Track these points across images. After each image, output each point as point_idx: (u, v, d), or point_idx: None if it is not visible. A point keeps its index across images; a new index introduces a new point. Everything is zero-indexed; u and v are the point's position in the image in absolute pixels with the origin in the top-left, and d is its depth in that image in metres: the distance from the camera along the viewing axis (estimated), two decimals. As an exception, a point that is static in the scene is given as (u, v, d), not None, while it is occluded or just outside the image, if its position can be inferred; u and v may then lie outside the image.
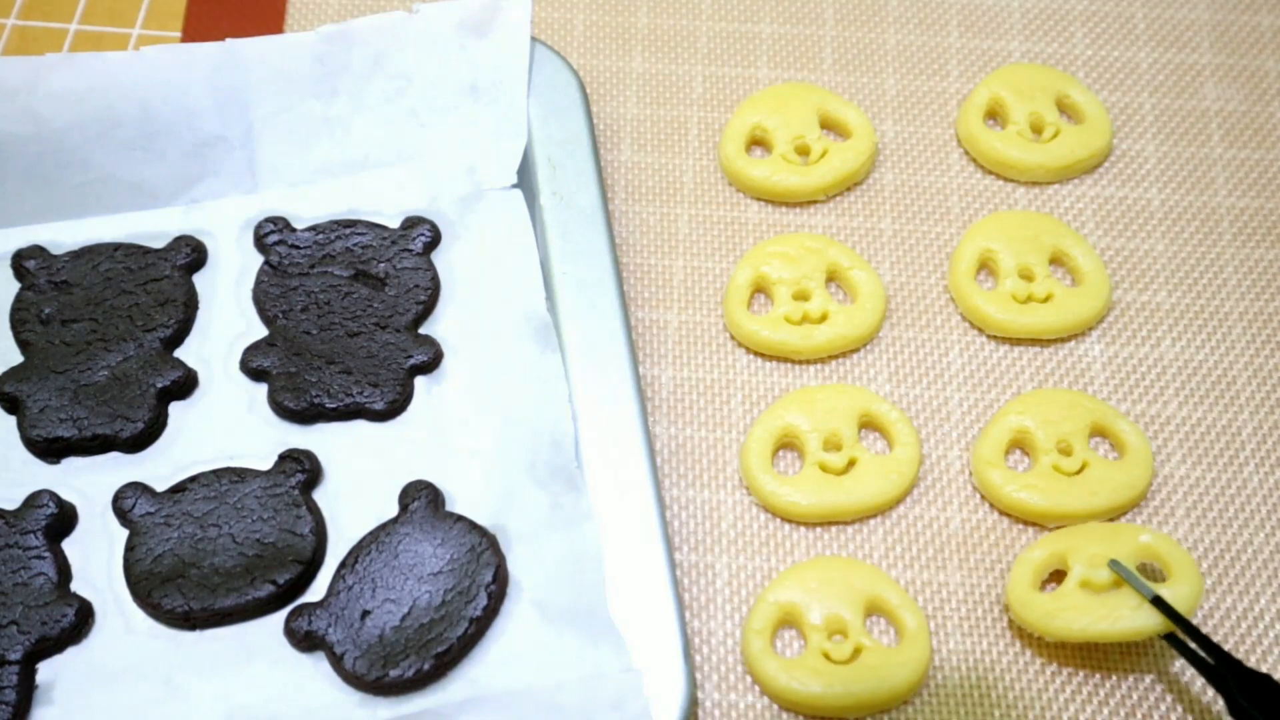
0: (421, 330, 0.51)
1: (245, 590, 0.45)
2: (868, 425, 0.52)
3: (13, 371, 0.50)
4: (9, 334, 0.51)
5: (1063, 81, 0.60)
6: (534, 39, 0.56)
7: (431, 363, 0.50)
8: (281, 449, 0.48)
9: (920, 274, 0.56)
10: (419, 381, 0.50)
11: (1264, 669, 0.47)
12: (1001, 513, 0.50)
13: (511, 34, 0.55)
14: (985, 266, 0.55)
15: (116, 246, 0.52)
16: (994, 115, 0.60)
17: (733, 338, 0.54)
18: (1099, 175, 0.59)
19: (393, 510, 0.47)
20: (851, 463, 0.50)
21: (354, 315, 0.51)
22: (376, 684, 0.43)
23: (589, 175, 0.54)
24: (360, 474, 0.48)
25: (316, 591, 0.46)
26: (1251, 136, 0.60)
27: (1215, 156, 0.60)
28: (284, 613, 0.45)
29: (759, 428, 0.51)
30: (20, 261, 0.52)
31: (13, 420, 0.49)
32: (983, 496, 0.51)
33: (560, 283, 0.52)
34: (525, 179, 0.54)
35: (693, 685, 0.43)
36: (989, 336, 0.54)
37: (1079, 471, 0.50)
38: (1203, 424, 0.53)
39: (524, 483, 0.47)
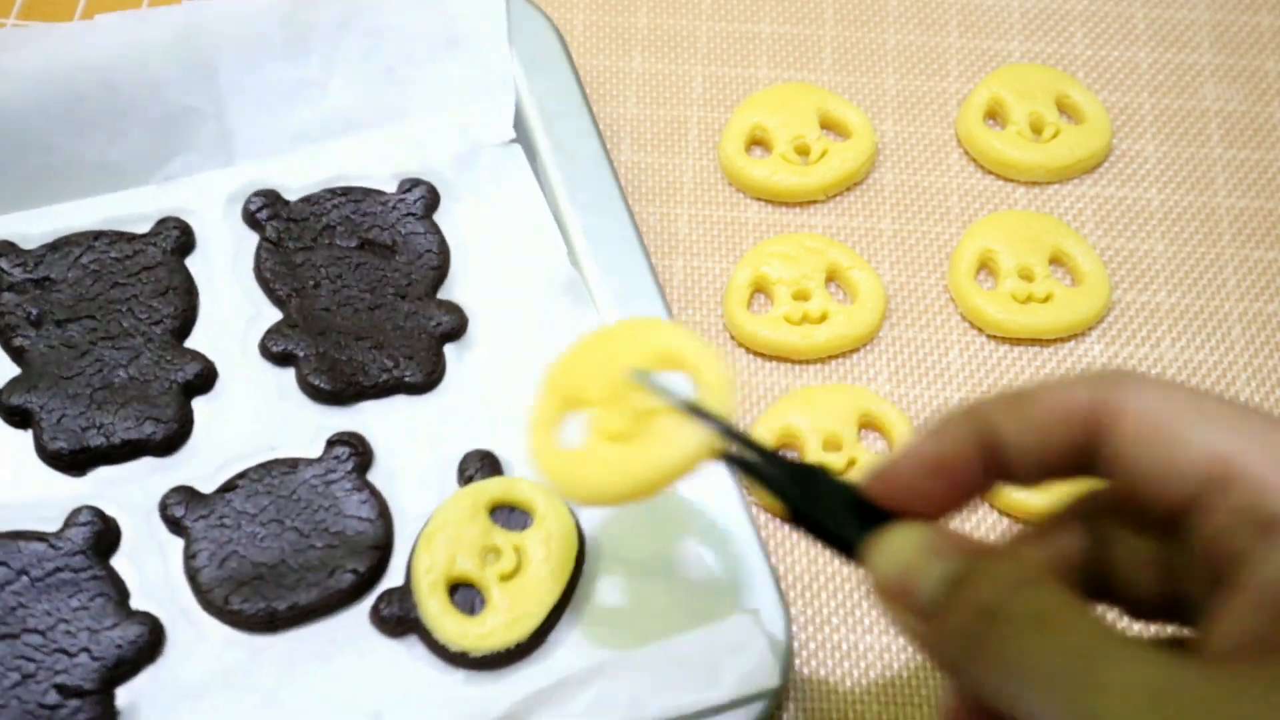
0: (439, 296, 0.50)
1: (326, 583, 0.43)
2: (868, 425, 0.52)
3: (15, 382, 0.46)
4: None
5: (1063, 81, 0.60)
6: None
7: (459, 329, 0.49)
8: (322, 433, 0.46)
9: (920, 274, 0.56)
10: (448, 349, 0.49)
11: (1264, 669, 0.47)
12: (1001, 512, 0.50)
13: None
14: (985, 266, 0.55)
15: (96, 234, 0.49)
16: (994, 115, 0.60)
17: (732, 338, 0.54)
18: (1099, 175, 0.59)
19: (453, 483, 0.46)
20: (851, 463, 0.50)
21: (370, 287, 0.49)
22: (481, 661, 0.42)
23: (586, 124, 0.53)
24: (411, 450, 0.47)
25: (393, 575, 0.44)
26: (1251, 136, 0.60)
27: (1215, 156, 0.60)
28: (366, 602, 0.44)
29: (759, 428, 0.51)
30: None
31: (21, 437, 0.46)
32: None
33: (577, 236, 0.51)
34: (521, 133, 0.53)
35: (789, 623, 0.43)
36: (989, 336, 0.55)
37: (1079, 472, 0.50)
38: (1202, 424, 0.52)
39: None
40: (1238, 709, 0.24)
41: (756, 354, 0.54)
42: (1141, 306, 0.55)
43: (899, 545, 0.30)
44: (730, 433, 0.35)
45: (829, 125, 0.59)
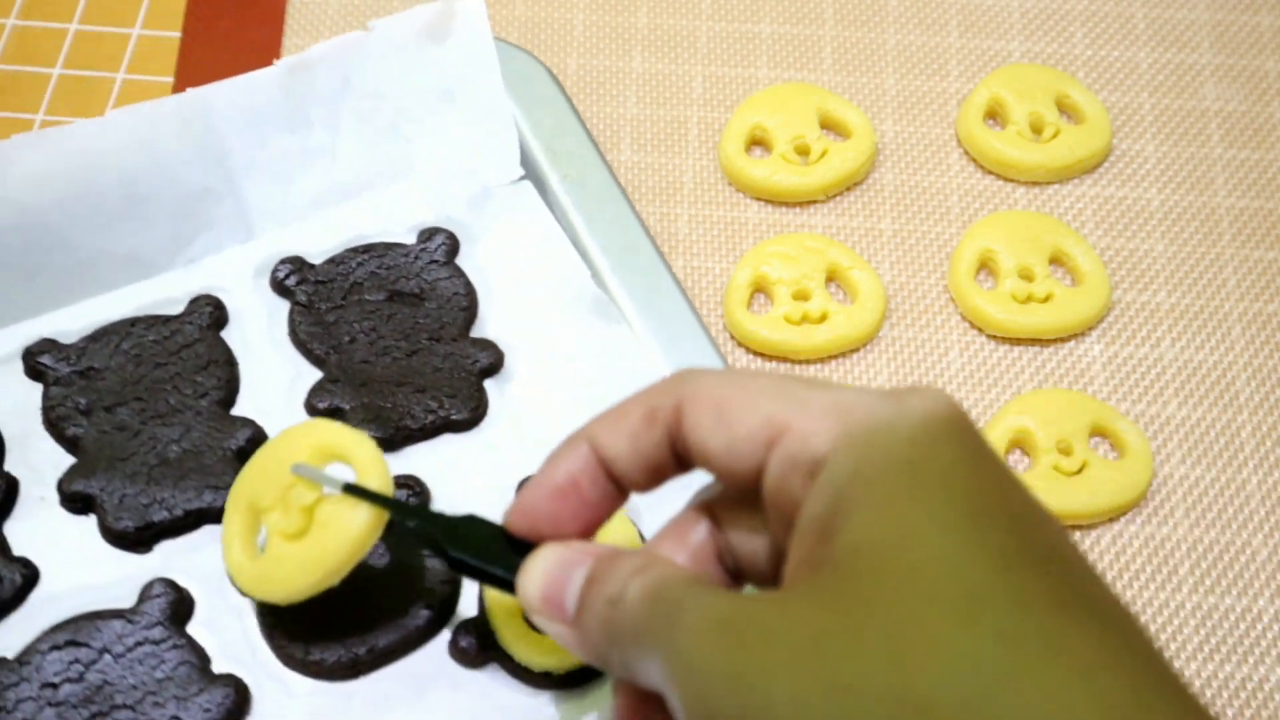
0: (473, 335, 0.51)
1: (402, 623, 0.44)
2: (867, 425, 0.52)
3: (74, 470, 0.47)
4: (46, 436, 0.48)
5: (1063, 81, 0.60)
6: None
7: (497, 364, 0.50)
8: None
9: (920, 274, 0.56)
10: (488, 384, 0.49)
11: (1263, 670, 0.47)
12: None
13: (472, 32, 0.54)
14: (985, 266, 0.55)
15: (132, 321, 0.50)
16: (994, 115, 0.60)
17: (733, 338, 0.54)
18: (1099, 175, 0.59)
19: None
20: (851, 463, 0.50)
21: (405, 335, 0.50)
22: (565, 679, 0.43)
23: (590, 151, 0.55)
24: (466, 485, 0.47)
25: (465, 607, 0.45)
26: (1251, 136, 0.60)
27: (1215, 156, 0.60)
28: (443, 636, 0.44)
29: (759, 428, 0.51)
30: (34, 360, 0.49)
31: (85, 522, 0.47)
32: (982, 496, 0.51)
33: (599, 258, 0.52)
34: (528, 170, 0.54)
35: None
36: (989, 336, 0.55)
37: (1079, 471, 0.50)
38: (1203, 424, 0.53)
39: None
40: (775, 616, 0.28)
41: (756, 354, 0.54)
42: (1141, 306, 0.55)
43: (539, 566, 0.34)
44: (386, 502, 0.39)
45: (829, 125, 0.59)
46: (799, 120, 0.58)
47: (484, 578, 0.37)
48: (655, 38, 0.63)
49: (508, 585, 0.35)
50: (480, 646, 0.43)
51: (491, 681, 0.43)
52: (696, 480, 0.35)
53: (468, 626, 0.44)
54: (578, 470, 0.34)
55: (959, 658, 0.26)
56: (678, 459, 0.33)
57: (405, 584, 0.44)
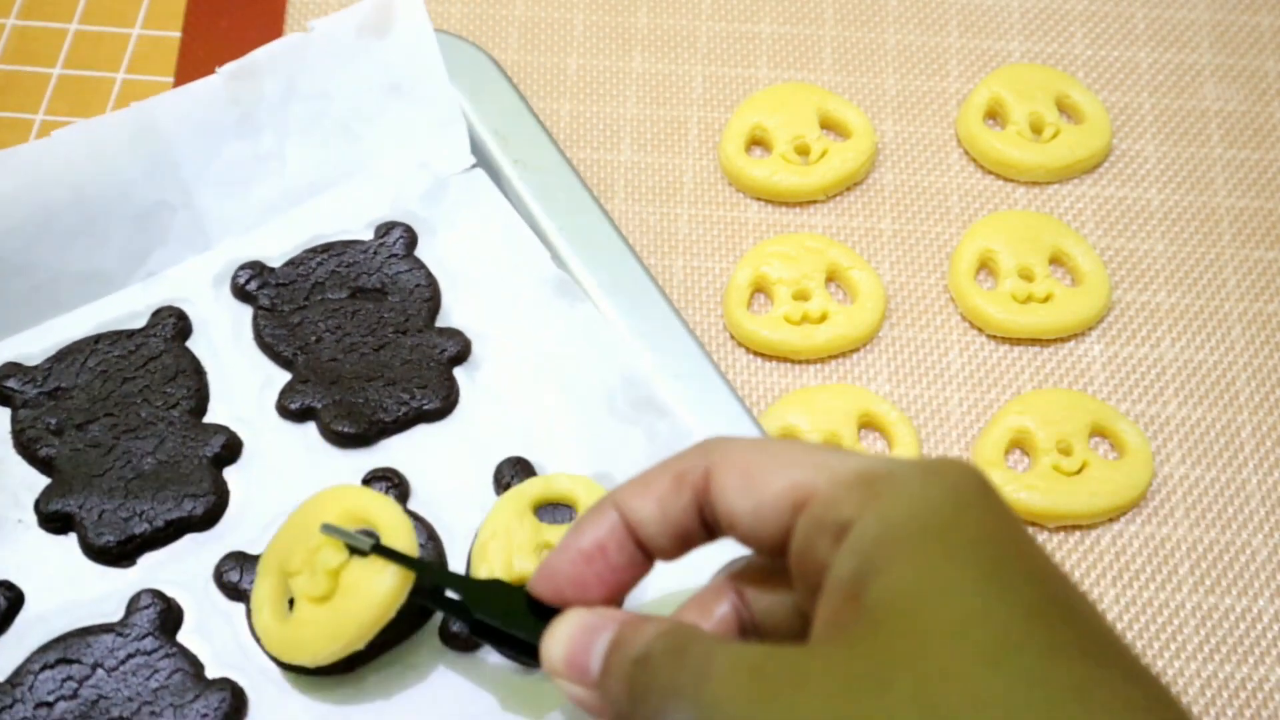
0: (438, 325, 0.51)
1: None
2: (867, 425, 0.52)
3: (51, 490, 0.47)
4: (18, 459, 0.48)
5: (1063, 81, 0.60)
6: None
7: (464, 352, 0.50)
8: (355, 476, 0.47)
9: (920, 274, 0.56)
10: (458, 372, 0.50)
11: (1263, 670, 0.47)
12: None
13: (412, 25, 0.54)
14: (985, 266, 0.55)
15: (96, 339, 0.50)
16: (994, 115, 0.60)
17: (732, 338, 0.54)
18: (1099, 175, 0.59)
19: (491, 496, 0.47)
20: (851, 463, 0.50)
21: (371, 330, 0.50)
22: None
23: (539, 135, 0.55)
24: (444, 473, 0.48)
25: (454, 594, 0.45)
26: (1251, 136, 0.60)
27: (1215, 156, 0.60)
28: (434, 624, 0.44)
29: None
30: (0, 384, 0.49)
31: (66, 541, 0.46)
32: (982, 497, 0.51)
33: (559, 239, 0.52)
34: (480, 157, 0.55)
35: None
36: (989, 336, 0.55)
37: (1079, 471, 0.50)
38: (1203, 424, 0.53)
39: (610, 425, 0.47)
40: (805, 664, 0.29)
41: (756, 354, 0.54)
42: (1141, 306, 0.55)
43: (564, 630, 0.34)
44: (413, 564, 0.39)
45: (829, 125, 0.59)
46: (799, 120, 0.58)
47: (507, 642, 0.37)
48: (655, 38, 0.63)
49: (531, 650, 0.35)
50: (472, 633, 0.43)
51: (485, 662, 0.44)
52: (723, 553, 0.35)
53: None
54: (604, 535, 0.34)
55: (991, 702, 0.26)
56: (705, 526, 0.34)
57: None
